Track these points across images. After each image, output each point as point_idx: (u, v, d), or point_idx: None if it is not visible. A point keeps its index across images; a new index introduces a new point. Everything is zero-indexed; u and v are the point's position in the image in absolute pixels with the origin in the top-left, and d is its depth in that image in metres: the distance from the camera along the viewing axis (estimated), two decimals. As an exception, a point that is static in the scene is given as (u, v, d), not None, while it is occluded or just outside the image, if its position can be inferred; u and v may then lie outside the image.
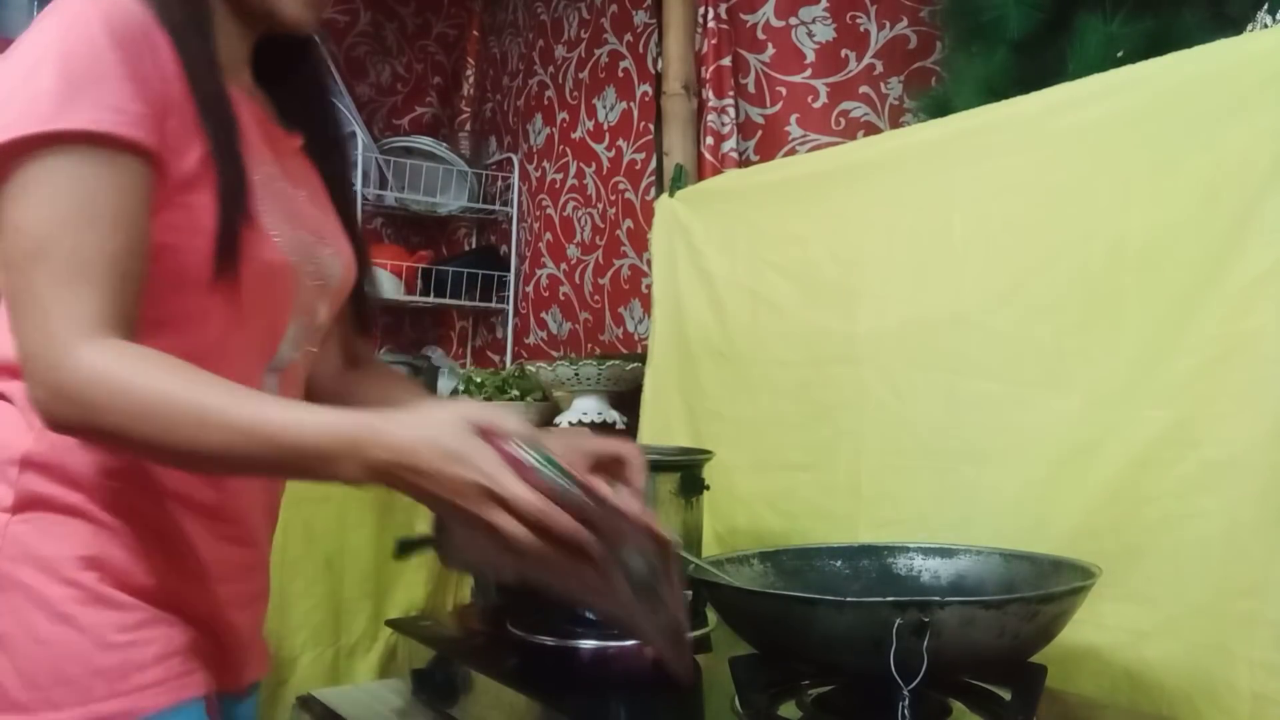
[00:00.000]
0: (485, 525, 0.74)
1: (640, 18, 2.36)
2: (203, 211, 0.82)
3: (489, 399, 2.21)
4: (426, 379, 2.42)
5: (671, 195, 1.80)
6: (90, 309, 0.76)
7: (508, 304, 2.74)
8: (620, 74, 2.41)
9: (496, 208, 2.81)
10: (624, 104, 2.40)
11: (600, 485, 0.75)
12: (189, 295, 0.84)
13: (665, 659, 0.81)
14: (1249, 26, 1.15)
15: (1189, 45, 1.09)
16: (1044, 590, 0.92)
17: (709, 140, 1.91)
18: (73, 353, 0.75)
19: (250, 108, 0.92)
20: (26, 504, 0.83)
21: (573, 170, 2.56)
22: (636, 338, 2.30)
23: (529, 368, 2.14)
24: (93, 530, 0.83)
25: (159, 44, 0.82)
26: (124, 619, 0.82)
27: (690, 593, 0.80)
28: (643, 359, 1.89)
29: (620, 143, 2.40)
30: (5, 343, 0.83)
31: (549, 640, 1.08)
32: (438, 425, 0.73)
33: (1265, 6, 1.13)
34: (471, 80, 3.02)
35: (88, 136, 0.77)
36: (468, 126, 2.99)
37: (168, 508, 0.86)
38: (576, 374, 2.01)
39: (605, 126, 2.45)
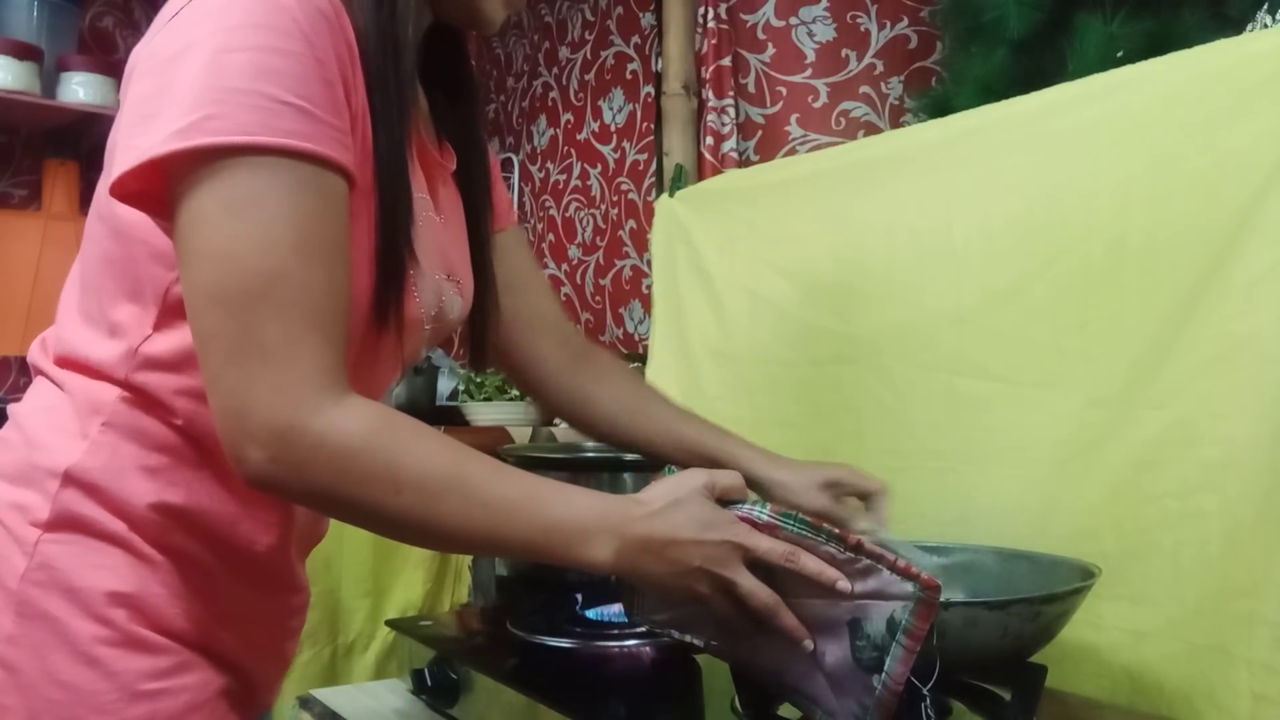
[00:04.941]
0: (722, 591, 0.74)
1: (648, 20, 2.36)
2: (357, 250, 0.73)
3: (489, 399, 2.21)
4: (427, 379, 2.42)
5: (671, 195, 1.80)
6: (327, 360, 0.68)
7: (509, 304, 2.73)
8: (628, 76, 2.42)
9: (498, 208, 2.81)
10: (630, 106, 2.41)
11: (850, 534, 0.75)
12: None
13: None
14: (1249, 26, 1.15)
15: (1189, 45, 1.09)
16: (1047, 590, 0.92)
17: (709, 140, 1.91)
18: (321, 415, 0.67)
19: (414, 121, 0.82)
20: (62, 523, 0.75)
21: (576, 171, 2.57)
22: (637, 338, 2.30)
23: (530, 368, 2.13)
24: (132, 563, 0.76)
25: (349, 38, 0.72)
26: (156, 664, 0.76)
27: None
28: (643, 359, 1.89)
29: (625, 144, 2.41)
30: (71, 331, 0.78)
31: (549, 640, 1.08)
32: (687, 497, 0.75)
33: (1265, 6, 1.13)
34: (474, 81, 3.02)
35: (297, 152, 0.67)
36: (470, 127, 2.99)
37: (214, 549, 0.80)
38: (577, 374, 2.01)
39: (612, 128, 2.45)
